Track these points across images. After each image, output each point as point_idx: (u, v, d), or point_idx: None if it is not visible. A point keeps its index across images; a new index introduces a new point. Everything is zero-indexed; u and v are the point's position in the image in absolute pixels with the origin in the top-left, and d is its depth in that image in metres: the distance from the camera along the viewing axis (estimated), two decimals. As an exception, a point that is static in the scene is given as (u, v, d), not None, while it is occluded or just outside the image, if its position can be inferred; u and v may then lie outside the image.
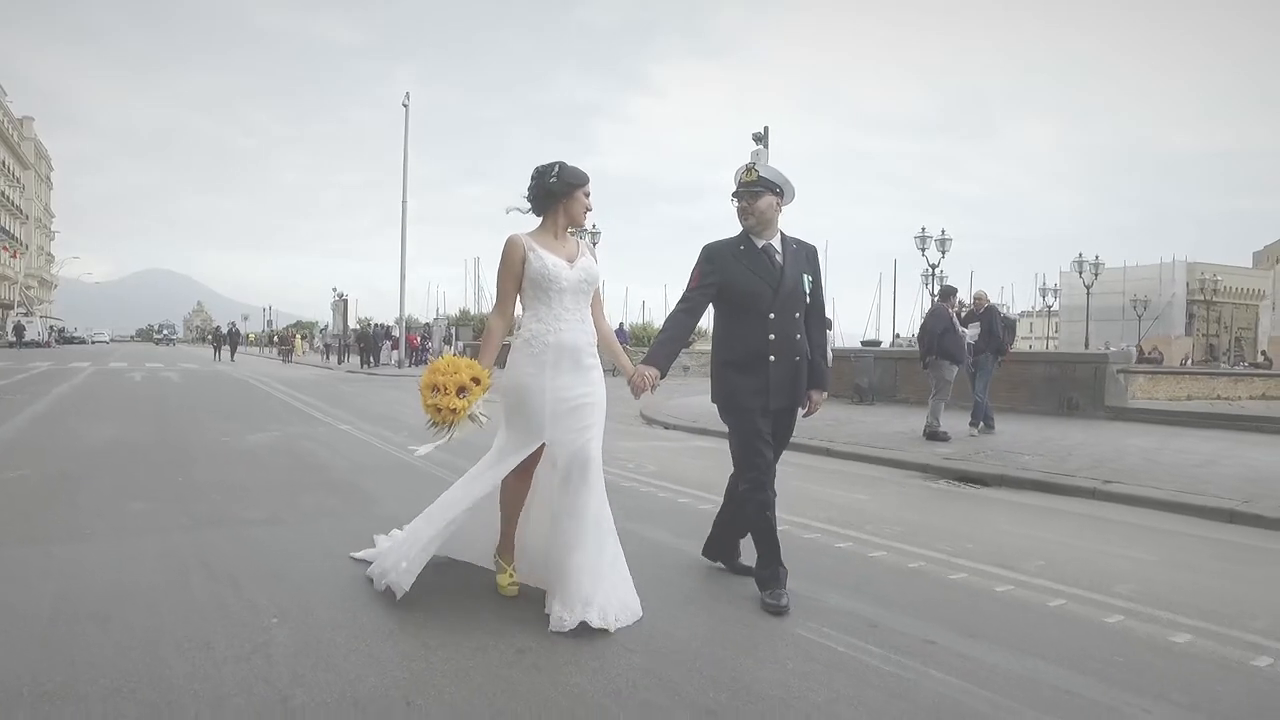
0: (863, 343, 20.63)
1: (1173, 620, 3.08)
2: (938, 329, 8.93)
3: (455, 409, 2.78)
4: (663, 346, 3.18)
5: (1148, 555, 4.25)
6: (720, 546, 3.54)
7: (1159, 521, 5.24)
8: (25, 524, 4.09)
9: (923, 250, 21.46)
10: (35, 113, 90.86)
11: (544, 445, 2.89)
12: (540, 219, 3.00)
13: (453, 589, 3.11)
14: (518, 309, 3.07)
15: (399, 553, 3.07)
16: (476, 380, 2.84)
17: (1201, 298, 38.11)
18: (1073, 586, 3.49)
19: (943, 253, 21.57)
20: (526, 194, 2.98)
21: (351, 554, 3.51)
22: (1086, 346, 28.54)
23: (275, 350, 37.98)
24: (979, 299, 9.92)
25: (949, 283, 10.73)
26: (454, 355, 3.06)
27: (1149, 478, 6.51)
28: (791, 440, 3.53)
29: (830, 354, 15.09)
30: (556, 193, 2.93)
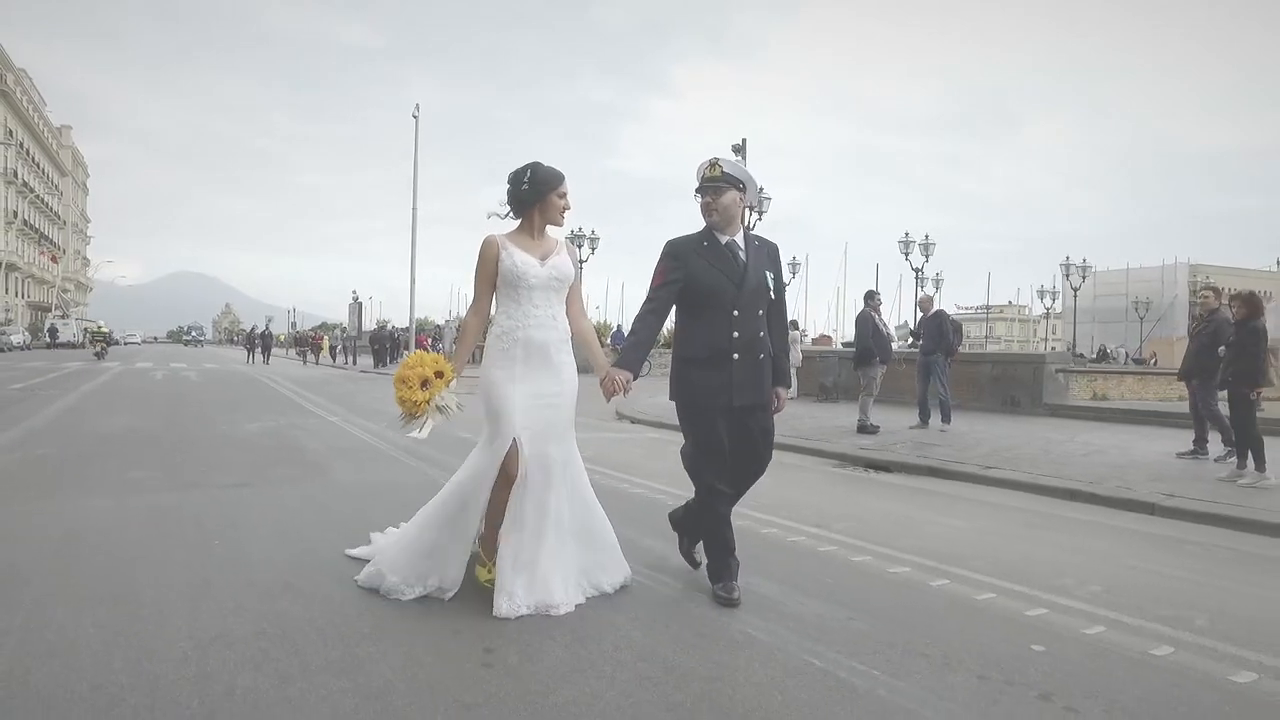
0: (843, 344, 21.40)
1: (910, 560, 3.91)
2: (866, 332, 9.81)
3: (418, 401, 2.93)
4: (633, 350, 3.21)
5: (958, 522, 5.09)
6: (685, 529, 3.52)
7: (1007, 499, 6.03)
8: (45, 487, 5.18)
9: (906, 255, 22.19)
10: (68, 118, 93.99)
11: (515, 442, 2.91)
12: (519, 220, 3.08)
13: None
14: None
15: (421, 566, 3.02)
16: (440, 374, 3.00)
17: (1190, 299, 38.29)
18: (854, 539, 4.31)
19: (926, 257, 22.31)
20: (505, 198, 3.05)
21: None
22: (1074, 348, 29.03)
23: (295, 351, 38.83)
24: (924, 304, 10.63)
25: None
26: (423, 351, 3.26)
27: (1029, 465, 7.32)
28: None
29: (799, 354, 15.98)
30: (528, 199, 3.01)
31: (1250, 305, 6.19)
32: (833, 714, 2.19)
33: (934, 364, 9.83)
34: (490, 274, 3.00)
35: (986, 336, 71.88)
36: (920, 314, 10.37)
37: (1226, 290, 9.05)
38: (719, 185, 3.12)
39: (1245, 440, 6.24)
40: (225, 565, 3.39)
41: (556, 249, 3.09)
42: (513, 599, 2.84)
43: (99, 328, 30.90)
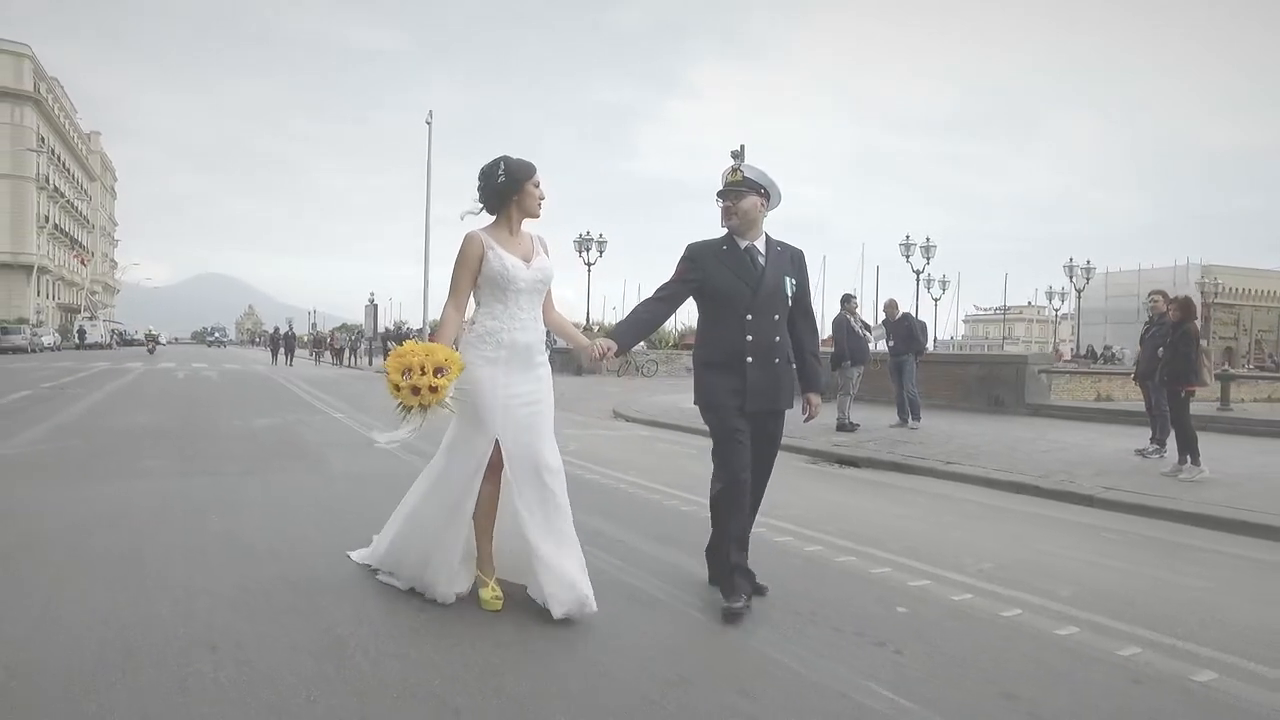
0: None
1: (827, 540, 4.35)
2: (841, 335, 10.25)
3: (436, 386, 2.71)
4: (629, 325, 3.24)
5: (900, 510, 5.48)
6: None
7: (958, 492, 6.42)
8: (66, 474, 5.77)
9: (907, 257, 22.51)
10: (93, 122, 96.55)
11: (497, 443, 2.91)
12: (495, 217, 3.04)
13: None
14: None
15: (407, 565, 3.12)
16: (449, 361, 2.81)
17: (1201, 300, 38.21)
18: (787, 523, 4.70)
19: (927, 259, 22.59)
20: (477, 195, 3.02)
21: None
22: (1078, 349, 29.11)
23: (309, 353, 40.31)
24: (890, 308, 11.04)
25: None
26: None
27: (989, 461, 7.68)
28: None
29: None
30: (506, 191, 2.98)
31: (1184, 309, 6.56)
32: (689, 646, 2.69)
33: (904, 364, 10.27)
34: (474, 270, 2.97)
35: (1005, 337, 71.38)
36: (886, 317, 10.80)
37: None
38: (739, 190, 3.16)
39: (1182, 437, 6.60)
40: (220, 537, 3.94)
41: (536, 250, 3.09)
42: (559, 601, 2.86)
43: (149, 331, 46.53)
